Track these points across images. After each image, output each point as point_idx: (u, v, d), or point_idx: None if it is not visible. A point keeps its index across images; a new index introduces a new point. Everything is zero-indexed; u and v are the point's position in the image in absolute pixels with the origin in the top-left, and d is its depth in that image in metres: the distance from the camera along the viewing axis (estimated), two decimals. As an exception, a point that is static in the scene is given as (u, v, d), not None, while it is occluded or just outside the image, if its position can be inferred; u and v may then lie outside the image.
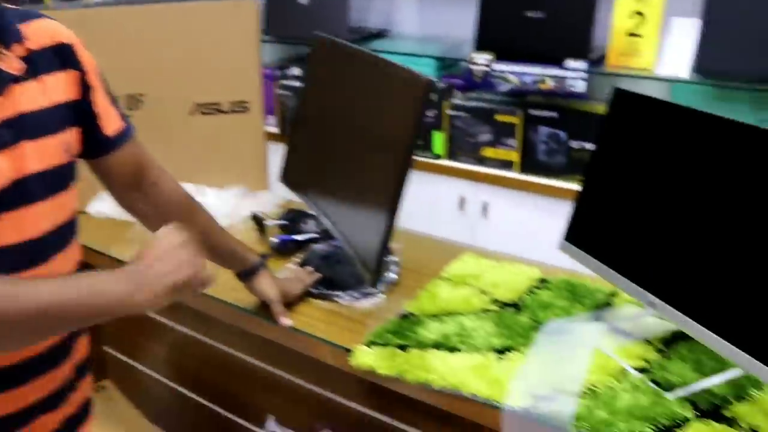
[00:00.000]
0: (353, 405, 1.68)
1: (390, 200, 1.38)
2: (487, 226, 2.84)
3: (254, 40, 2.21)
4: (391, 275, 1.68)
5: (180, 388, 2.14)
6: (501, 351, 1.40)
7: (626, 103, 1.45)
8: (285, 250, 1.87)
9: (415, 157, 2.84)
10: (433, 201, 2.93)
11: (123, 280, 1.06)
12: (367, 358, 1.41)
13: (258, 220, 1.98)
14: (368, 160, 1.50)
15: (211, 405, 2.07)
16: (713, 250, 1.26)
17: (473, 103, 2.78)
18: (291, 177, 1.88)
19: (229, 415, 2.03)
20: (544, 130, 2.62)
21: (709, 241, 1.27)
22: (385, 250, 1.42)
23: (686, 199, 1.33)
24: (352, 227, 1.56)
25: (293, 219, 1.98)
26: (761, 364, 1.15)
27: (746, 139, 1.24)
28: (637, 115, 1.45)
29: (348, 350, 1.45)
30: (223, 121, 2.25)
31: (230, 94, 2.24)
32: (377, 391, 1.50)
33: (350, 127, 1.58)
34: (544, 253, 1.70)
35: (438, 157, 2.90)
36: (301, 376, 1.78)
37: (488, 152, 2.78)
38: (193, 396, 2.10)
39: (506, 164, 2.75)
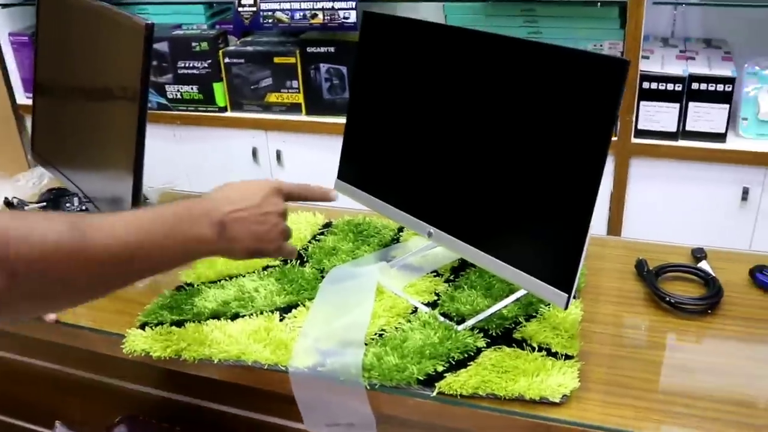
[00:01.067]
0: (146, 389, 1.55)
1: (133, 160, 1.23)
2: (284, 174, 2.73)
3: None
4: (165, 245, 1.53)
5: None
6: (285, 309, 1.30)
7: (376, 26, 1.36)
8: (50, 234, 1.67)
9: (197, 113, 2.70)
10: (226, 157, 2.79)
11: (211, 224, 0.98)
12: (139, 342, 1.27)
13: (12, 207, 1.76)
14: (104, 119, 1.34)
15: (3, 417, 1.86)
16: (477, 171, 1.21)
17: (249, 48, 2.63)
18: (40, 151, 1.68)
19: (24, 424, 1.84)
20: (324, 68, 2.52)
21: (472, 162, 1.22)
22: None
23: (444, 119, 1.26)
24: (103, 197, 1.41)
25: (55, 199, 1.78)
26: (538, 281, 1.12)
27: (494, 48, 1.18)
28: (387, 38, 1.36)
29: (123, 336, 1.31)
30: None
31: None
32: (165, 371, 1.37)
33: (82, 85, 1.41)
34: (342, 198, 1.61)
35: (223, 109, 2.74)
36: (86, 370, 1.62)
37: (272, 98, 2.64)
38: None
39: (293, 108, 2.63)
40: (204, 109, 2.74)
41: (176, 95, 2.74)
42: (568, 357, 1.16)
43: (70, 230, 0.83)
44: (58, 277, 0.83)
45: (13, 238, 0.78)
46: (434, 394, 1.11)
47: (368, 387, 1.14)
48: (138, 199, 1.32)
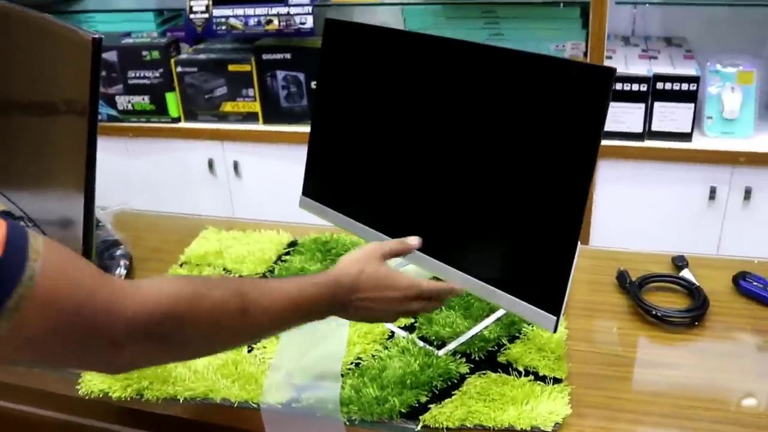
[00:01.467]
0: (104, 425, 1.45)
1: (83, 178, 1.14)
2: (242, 186, 2.64)
3: None
4: (120, 270, 1.44)
5: None
6: (254, 339, 1.22)
7: (339, 33, 1.28)
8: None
9: (149, 124, 2.59)
10: (181, 169, 2.69)
11: (337, 310, 1.02)
12: (97, 382, 1.18)
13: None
14: (50, 136, 1.25)
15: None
16: (453, 186, 1.14)
17: (202, 56, 2.53)
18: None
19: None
20: (280, 75, 2.43)
21: (448, 177, 1.14)
22: (89, 241, 1.19)
23: (416, 131, 1.18)
24: (51, 220, 1.31)
25: None
26: (523, 302, 1.05)
27: (470, 57, 1.11)
28: (351, 46, 1.28)
29: (79, 375, 1.21)
30: None
31: None
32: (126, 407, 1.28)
33: (25, 101, 1.31)
34: (307, 215, 1.53)
35: (176, 120, 2.63)
36: (48, 408, 1.51)
37: (228, 107, 2.55)
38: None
39: (249, 117, 2.54)
40: (157, 120, 2.63)
41: (127, 106, 2.63)
42: (556, 381, 1.10)
43: (237, 301, 0.85)
44: (211, 340, 0.87)
45: (190, 302, 0.80)
46: (418, 428, 1.04)
47: (347, 422, 1.06)
48: (90, 221, 1.23)
